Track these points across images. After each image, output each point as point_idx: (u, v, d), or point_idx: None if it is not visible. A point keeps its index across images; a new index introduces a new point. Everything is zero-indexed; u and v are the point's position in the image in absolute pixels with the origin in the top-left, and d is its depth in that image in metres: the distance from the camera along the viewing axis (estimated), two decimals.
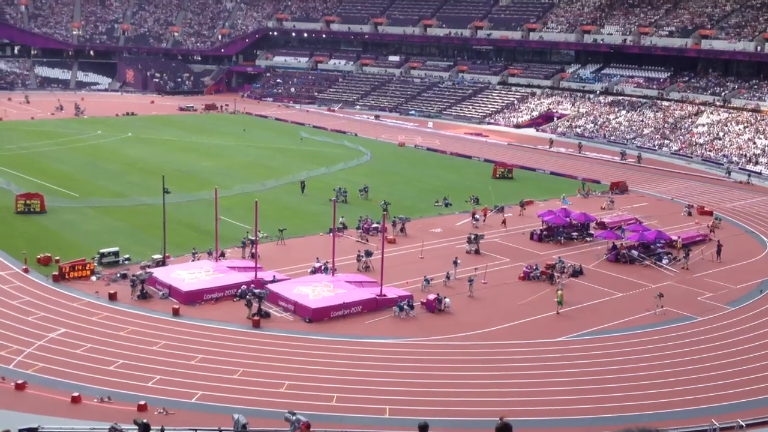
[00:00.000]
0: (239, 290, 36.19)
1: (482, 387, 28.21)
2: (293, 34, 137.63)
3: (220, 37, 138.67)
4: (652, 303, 36.74)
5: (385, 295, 36.30)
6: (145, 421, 20.75)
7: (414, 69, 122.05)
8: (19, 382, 27.06)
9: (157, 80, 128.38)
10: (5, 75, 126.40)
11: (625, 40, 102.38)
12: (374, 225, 47.77)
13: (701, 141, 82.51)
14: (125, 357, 29.52)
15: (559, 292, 36.76)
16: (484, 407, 26.48)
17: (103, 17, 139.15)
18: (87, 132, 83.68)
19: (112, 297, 35.77)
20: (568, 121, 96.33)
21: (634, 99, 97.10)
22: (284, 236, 45.33)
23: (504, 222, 50.61)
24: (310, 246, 44.50)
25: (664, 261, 44.20)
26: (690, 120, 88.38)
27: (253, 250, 40.65)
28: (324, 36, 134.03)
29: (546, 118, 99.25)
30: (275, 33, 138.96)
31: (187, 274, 38.02)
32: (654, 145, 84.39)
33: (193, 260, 41.02)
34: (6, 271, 39.10)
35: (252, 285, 36.19)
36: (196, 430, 21.26)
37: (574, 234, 48.70)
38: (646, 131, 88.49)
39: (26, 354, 29.53)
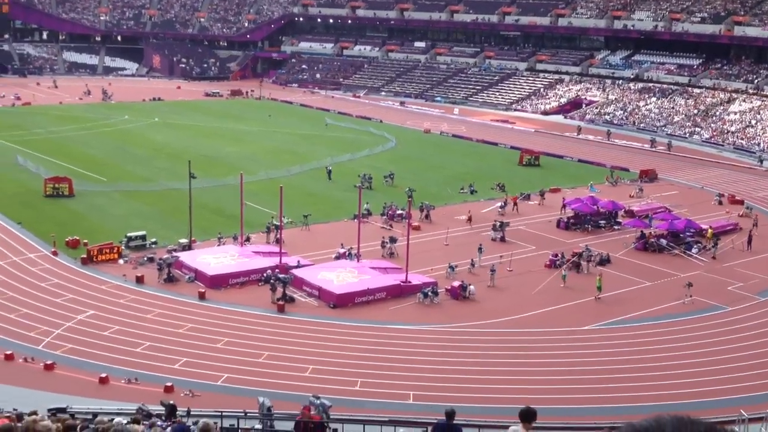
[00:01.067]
0: (264, 275, 36.29)
1: (507, 374, 28.08)
2: (319, 19, 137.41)
3: (246, 23, 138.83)
4: (680, 292, 36.24)
5: (409, 282, 36.22)
6: (171, 402, 20.89)
7: (440, 55, 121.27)
8: (48, 362, 27.44)
9: (183, 66, 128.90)
10: (34, 60, 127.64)
11: (656, 26, 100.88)
12: (399, 211, 47.65)
13: (733, 129, 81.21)
14: (152, 339, 29.79)
15: (599, 277, 36.57)
16: (510, 394, 26.34)
17: (130, 3, 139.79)
18: (114, 117, 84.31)
19: (140, 280, 36.09)
20: (596, 108, 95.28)
21: (664, 86, 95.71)
22: (309, 222, 45.38)
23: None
24: (334, 232, 44.50)
25: (694, 250, 43.61)
26: (722, 107, 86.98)
27: (278, 236, 40.76)
28: (349, 22, 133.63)
29: (574, 104, 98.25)
30: (301, 19, 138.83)
31: (213, 258, 38.24)
32: (685, 133, 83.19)
33: (218, 245, 41.22)
34: (35, 253, 39.57)
35: (276, 270, 36.28)
36: (221, 412, 21.34)
37: (602, 222, 48.19)
38: (676, 119, 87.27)
39: (55, 335, 29.91)
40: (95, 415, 19.39)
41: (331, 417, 22.14)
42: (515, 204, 51.31)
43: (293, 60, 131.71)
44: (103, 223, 45.03)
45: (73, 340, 29.52)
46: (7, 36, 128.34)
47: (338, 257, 39.92)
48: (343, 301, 34.25)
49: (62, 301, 33.30)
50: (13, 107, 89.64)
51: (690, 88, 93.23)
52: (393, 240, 41.78)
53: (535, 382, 27.49)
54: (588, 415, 25.02)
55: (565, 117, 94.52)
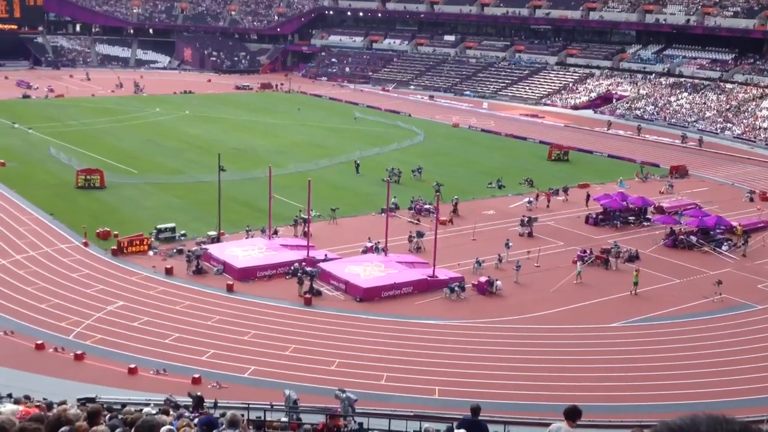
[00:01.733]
0: (291, 268, 36.49)
1: (534, 371, 27.95)
2: (349, 13, 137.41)
3: (276, 16, 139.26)
4: (710, 290, 35.83)
5: (436, 276, 36.19)
6: (199, 393, 21.14)
7: (470, 49, 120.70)
8: (78, 352, 27.85)
9: (214, 59, 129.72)
10: (67, 52, 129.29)
11: (689, 20, 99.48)
12: (426, 206, 47.60)
13: (765, 125, 79.84)
14: (180, 331, 30.12)
15: (636, 273, 36.48)
16: (536, 391, 26.26)
17: None
18: (146, 109, 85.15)
19: (169, 272, 36.47)
20: (627, 102, 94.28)
21: (696, 81, 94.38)
22: (336, 215, 45.51)
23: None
24: (362, 226, 44.58)
25: (724, 247, 43.06)
26: (754, 103, 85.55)
27: (306, 229, 40.93)
28: (379, 15, 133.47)
29: (605, 99, 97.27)
30: (331, 12, 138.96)
31: (241, 251, 38.51)
32: (716, 129, 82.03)
33: (247, 237, 41.50)
34: (66, 244, 40.15)
35: (304, 263, 36.45)
36: (248, 404, 21.53)
37: (631, 218, 47.75)
38: (708, 114, 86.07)
39: (85, 325, 30.36)
40: (124, 405, 19.69)
41: (357, 411, 22.24)
42: (549, 200, 50.90)
43: (323, 53, 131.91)
44: (134, 214, 45.55)
45: (103, 331, 29.94)
46: (41, 28, 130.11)
47: (365, 251, 40.00)
48: (369, 295, 34.33)
49: (92, 292, 33.77)
50: (46, 99, 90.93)
51: (722, 84, 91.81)
52: (420, 234, 41.76)
53: (562, 379, 27.35)
54: (617, 413, 24.81)
55: (595, 112, 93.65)
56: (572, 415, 8.64)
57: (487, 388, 26.27)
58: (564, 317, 33.11)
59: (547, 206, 50.18)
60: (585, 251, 40.46)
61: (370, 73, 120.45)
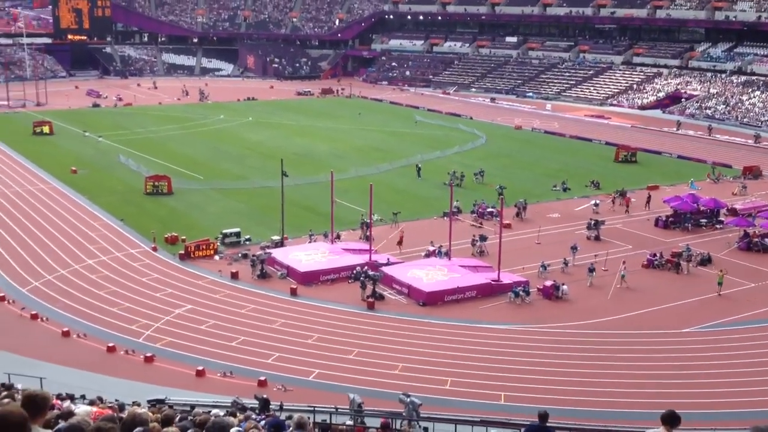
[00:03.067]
0: (354, 272, 36.53)
1: (602, 377, 27.29)
2: (409, 17, 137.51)
3: (336, 21, 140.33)
4: None
5: (500, 280, 35.74)
6: (265, 396, 21.31)
7: (532, 50, 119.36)
8: (148, 355, 28.42)
9: (276, 66, 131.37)
10: (135, 62, 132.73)
11: (760, 17, 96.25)
12: (489, 209, 47.11)
13: None
14: (246, 334, 30.44)
15: (720, 272, 35.67)
16: (602, 398, 25.65)
17: (226, 4, 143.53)
18: (210, 117, 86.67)
19: (234, 276, 36.95)
20: (697, 102, 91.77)
21: None
22: (398, 219, 45.41)
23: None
24: (424, 229, 44.37)
25: None
26: None
27: (368, 233, 40.94)
28: (440, 18, 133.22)
29: (673, 99, 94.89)
30: (391, 16, 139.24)
31: (304, 255, 38.75)
32: None
33: (309, 242, 41.75)
34: (136, 249, 41.06)
35: (366, 267, 36.45)
36: (314, 407, 21.59)
37: (703, 221, 46.35)
38: None
39: (155, 328, 30.96)
40: (192, 407, 19.96)
41: (421, 415, 22.08)
42: (627, 204, 49.55)
43: (383, 58, 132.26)
44: (200, 220, 46.34)
45: (172, 334, 30.48)
46: (109, 38, 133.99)
47: (428, 255, 39.79)
48: (432, 300, 34.11)
49: (161, 296, 34.44)
50: (115, 108, 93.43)
51: None
52: (483, 238, 41.34)
53: (631, 386, 26.60)
54: (694, 421, 23.99)
55: (664, 112, 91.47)
56: (671, 420, 8.23)
57: (555, 395, 25.76)
58: (633, 322, 32.28)
59: (626, 211, 48.91)
60: (655, 255, 39.45)
61: (431, 77, 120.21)
